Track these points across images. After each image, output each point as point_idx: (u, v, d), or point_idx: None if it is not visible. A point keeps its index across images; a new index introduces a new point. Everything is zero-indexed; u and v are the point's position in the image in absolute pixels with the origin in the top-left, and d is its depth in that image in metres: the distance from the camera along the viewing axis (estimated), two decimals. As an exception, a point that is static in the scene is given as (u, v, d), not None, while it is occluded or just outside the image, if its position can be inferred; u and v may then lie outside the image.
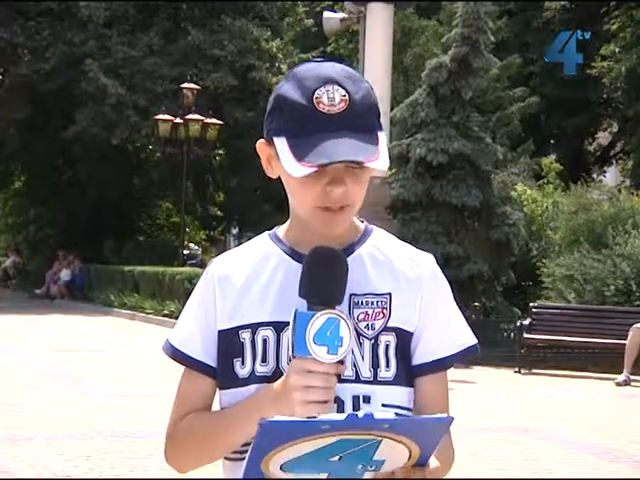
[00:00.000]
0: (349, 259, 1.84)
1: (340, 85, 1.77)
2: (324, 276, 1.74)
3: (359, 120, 1.76)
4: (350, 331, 1.71)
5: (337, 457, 1.57)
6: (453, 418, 1.61)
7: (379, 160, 1.74)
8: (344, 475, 1.61)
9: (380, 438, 1.56)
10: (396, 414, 1.72)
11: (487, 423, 9.65)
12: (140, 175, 32.93)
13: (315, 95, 1.75)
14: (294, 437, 1.53)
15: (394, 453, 1.59)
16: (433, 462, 1.68)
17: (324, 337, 1.69)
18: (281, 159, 1.76)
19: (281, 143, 1.76)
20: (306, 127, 1.74)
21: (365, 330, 1.82)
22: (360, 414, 1.54)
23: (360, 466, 1.60)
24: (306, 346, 1.69)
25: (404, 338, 1.84)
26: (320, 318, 1.69)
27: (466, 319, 1.96)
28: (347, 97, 1.76)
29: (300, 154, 1.72)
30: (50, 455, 7.58)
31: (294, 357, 1.72)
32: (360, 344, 1.81)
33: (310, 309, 1.72)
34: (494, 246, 16.63)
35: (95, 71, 26.71)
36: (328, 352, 1.69)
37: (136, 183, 32.93)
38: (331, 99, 1.75)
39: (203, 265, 27.31)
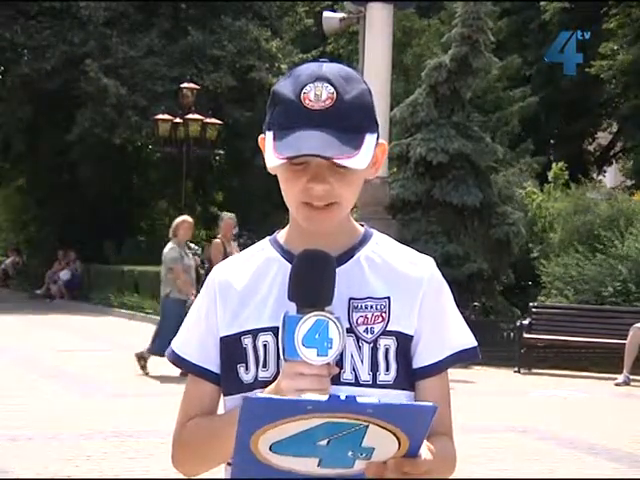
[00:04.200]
0: (348, 263, 1.85)
1: (331, 83, 1.76)
2: (311, 278, 1.73)
3: (343, 119, 1.75)
4: (340, 332, 1.70)
5: (325, 441, 1.57)
6: (437, 407, 1.59)
7: (355, 159, 1.73)
8: (335, 462, 1.61)
9: (366, 423, 1.56)
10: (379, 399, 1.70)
11: (487, 423, 9.65)
12: (140, 175, 32.93)
13: (303, 91, 1.76)
14: (278, 416, 1.54)
15: (383, 442, 1.59)
16: (425, 454, 1.66)
17: (313, 339, 1.68)
18: (266, 151, 1.78)
19: (269, 136, 1.79)
20: (289, 121, 1.75)
21: (364, 334, 1.82)
22: (342, 396, 1.55)
23: (350, 453, 1.60)
24: (295, 349, 1.68)
25: (404, 342, 1.84)
26: (308, 320, 1.69)
27: (466, 319, 1.95)
28: (335, 95, 1.76)
29: (277, 146, 1.74)
30: (50, 455, 7.58)
31: (285, 361, 1.72)
32: (359, 348, 1.81)
33: (299, 312, 1.71)
34: (494, 245, 16.63)
35: (95, 71, 26.72)
36: (318, 354, 1.68)
37: (136, 183, 32.93)
38: (317, 95, 1.75)
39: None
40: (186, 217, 13.25)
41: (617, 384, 12.91)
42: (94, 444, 8.05)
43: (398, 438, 1.59)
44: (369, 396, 1.62)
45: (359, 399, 1.55)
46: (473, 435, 8.53)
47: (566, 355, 15.01)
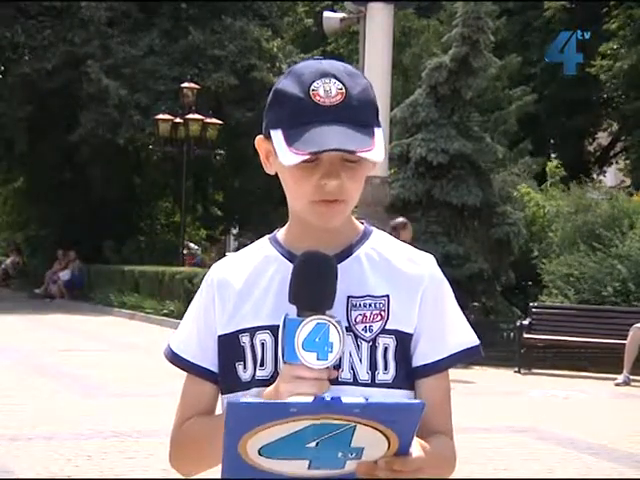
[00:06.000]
0: (348, 260, 1.84)
1: (337, 79, 1.76)
2: (313, 281, 1.72)
3: (355, 113, 1.75)
4: (340, 336, 1.69)
5: (314, 443, 1.57)
6: (425, 404, 1.58)
7: (373, 152, 1.73)
8: (325, 463, 1.61)
9: (353, 423, 1.55)
10: (365, 399, 1.66)
11: (487, 423, 9.64)
12: (140, 175, 32.91)
13: (312, 87, 1.75)
14: (264, 420, 1.53)
15: (372, 441, 1.59)
16: (417, 451, 1.66)
17: (313, 343, 1.67)
18: (276, 149, 1.76)
19: (277, 135, 1.76)
20: (301, 118, 1.74)
21: (363, 332, 1.80)
22: (327, 397, 1.55)
23: (340, 454, 1.60)
24: (295, 352, 1.68)
25: (404, 340, 1.82)
26: (309, 324, 1.68)
27: (466, 319, 1.93)
28: (344, 90, 1.75)
29: (292, 143, 1.72)
30: (50, 455, 7.58)
31: (284, 364, 1.71)
32: (358, 346, 1.80)
33: (300, 315, 1.70)
34: (494, 245, 16.63)
35: (97, 72, 26.72)
36: (318, 358, 1.67)
37: (136, 183, 32.90)
38: (327, 91, 1.75)
39: (203, 265, 27.33)
40: None
41: (617, 384, 12.91)
42: (94, 444, 8.05)
43: (387, 437, 1.59)
44: (356, 396, 1.62)
45: (344, 399, 1.54)
46: (473, 435, 8.53)
47: (566, 355, 15.00)
